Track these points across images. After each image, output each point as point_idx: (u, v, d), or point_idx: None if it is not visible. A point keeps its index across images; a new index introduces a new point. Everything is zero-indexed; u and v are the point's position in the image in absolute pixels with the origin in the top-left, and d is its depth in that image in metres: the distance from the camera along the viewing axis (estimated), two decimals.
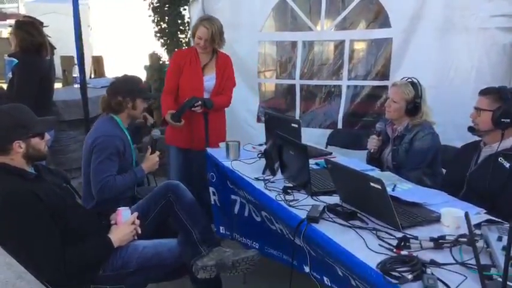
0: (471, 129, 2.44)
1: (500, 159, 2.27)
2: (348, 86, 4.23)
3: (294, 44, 4.53)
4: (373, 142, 2.91)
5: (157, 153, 2.85)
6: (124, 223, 2.21)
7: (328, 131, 4.03)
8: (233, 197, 3.02)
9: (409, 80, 2.86)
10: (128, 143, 2.74)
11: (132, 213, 2.27)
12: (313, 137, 3.80)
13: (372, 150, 2.92)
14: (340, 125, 4.16)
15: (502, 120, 2.25)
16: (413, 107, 2.77)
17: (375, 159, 2.99)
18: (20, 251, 1.95)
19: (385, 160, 2.96)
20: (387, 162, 2.95)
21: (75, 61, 4.34)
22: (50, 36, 5.01)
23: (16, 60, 3.67)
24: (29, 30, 3.69)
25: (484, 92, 2.39)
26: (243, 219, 2.95)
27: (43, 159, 2.15)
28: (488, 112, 2.30)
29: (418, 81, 2.83)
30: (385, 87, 4.03)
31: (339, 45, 4.33)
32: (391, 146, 2.92)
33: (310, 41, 4.51)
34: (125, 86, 2.76)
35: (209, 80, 3.43)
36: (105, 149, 2.58)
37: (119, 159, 2.63)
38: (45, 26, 4.98)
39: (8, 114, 2.02)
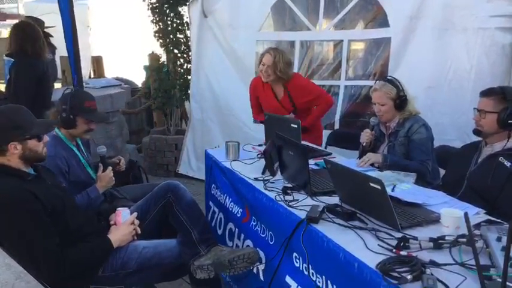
0: (477, 132, 2.42)
1: (501, 159, 2.27)
2: (346, 86, 4.23)
3: (292, 44, 4.53)
4: (366, 136, 2.93)
5: (110, 168, 2.68)
6: (123, 223, 2.21)
7: (325, 132, 4.03)
8: (210, 203, 3.09)
9: (384, 79, 2.90)
10: (75, 158, 2.62)
11: (131, 214, 2.27)
12: None
13: (363, 144, 2.94)
14: (337, 126, 4.16)
15: (510, 121, 2.23)
16: (401, 101, 2.80)
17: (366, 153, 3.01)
18: (19, 251, 1.94)
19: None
20: None
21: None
22: (52, 36, 5.01)
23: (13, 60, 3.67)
24: (36, 30, 3.71)
25: (486, 93, 2.36)
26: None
27: (41, 161, 2.14)
28: (493, 114, 2.28)
29: (392, 77, 2.87)
30: None
31: (337, 45, 4.34)
32: (386, 142, 2.94)
33: (308, 41, 4.52)
34: (70, 101, 2.58)
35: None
36: None
37: (64, 179, 2.49)
38: (51, 27, 4.98)
39: (4, 115, 2.01)
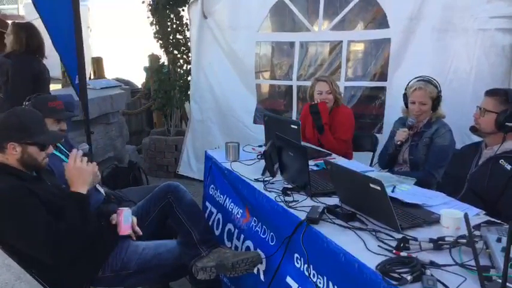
0: (473, 129, 2.44)
1: (501, 162, 2.26)
2: (346, 87, 4.23)
3: (291, 45, 4.54)
4: (403, 134, 2.95)
5: (94, 163, 2.58)
6: (84, 168, 2.11)
7: None
8: (207, 203, 3.10)
9: (423, 79, 2.94)
10: (59, 160, 2.58)
11: (132, 214, 2.27)
12: None
13: (398, 142, 2.97)
14: None
15: (507, 123, 2.24)
16: (438, 101, 2.89)
17: (392, 156, 3.05)
18: (18, 239, 1.91)
19: (401, 155, 3.01)
20: (403, 157, 3.00)
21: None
22: None
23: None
24: (33, 31, 3.71)
25: (490, 93, 2.37)
26: None
27: (38, 169, 2.11)
28: (493, 114, 2.29)
29: (431, 77, 2.93)
30: (383, 89, 4.04)
31: (337, 46, 4.34)
32: (409, 142, 2.98)
33: (307, 42, 4.52)
34: (33, 104, 2.57)
35: None
36: None
37: None
38: None
39: (15, 115, 2.05)
